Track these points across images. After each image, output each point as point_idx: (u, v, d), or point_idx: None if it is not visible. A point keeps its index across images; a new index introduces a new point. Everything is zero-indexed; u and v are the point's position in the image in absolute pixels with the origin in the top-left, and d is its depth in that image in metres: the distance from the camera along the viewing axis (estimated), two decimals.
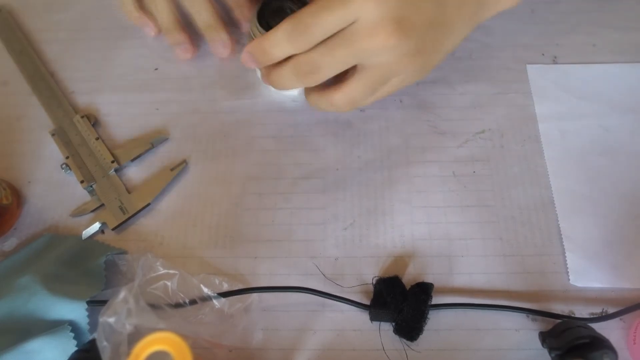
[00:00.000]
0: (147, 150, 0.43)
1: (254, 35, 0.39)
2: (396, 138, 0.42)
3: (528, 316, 0.35)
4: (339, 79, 0.37)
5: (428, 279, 0.37)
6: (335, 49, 0.33)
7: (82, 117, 0.44)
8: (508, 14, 0.39)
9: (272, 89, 0.41)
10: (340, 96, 0.36)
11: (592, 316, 0.35)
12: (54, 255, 0.37)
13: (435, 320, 0.35)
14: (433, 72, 0.39)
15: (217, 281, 0.37)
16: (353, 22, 0.32)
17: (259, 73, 0.43)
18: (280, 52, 0.35)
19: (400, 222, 0.39)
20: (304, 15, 0.33)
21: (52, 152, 0.43)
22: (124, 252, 0.39)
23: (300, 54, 0.35)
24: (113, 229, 0.40)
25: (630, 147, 0.41)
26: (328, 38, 0.33)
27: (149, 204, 0.40)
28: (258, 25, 0.38)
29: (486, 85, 0.44)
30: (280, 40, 0.34)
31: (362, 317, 0.36)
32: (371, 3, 0.31)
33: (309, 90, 0.39)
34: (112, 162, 0.42)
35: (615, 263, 0.37)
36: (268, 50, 0.35)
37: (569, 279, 0.36)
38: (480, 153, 0.41)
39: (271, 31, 0.35)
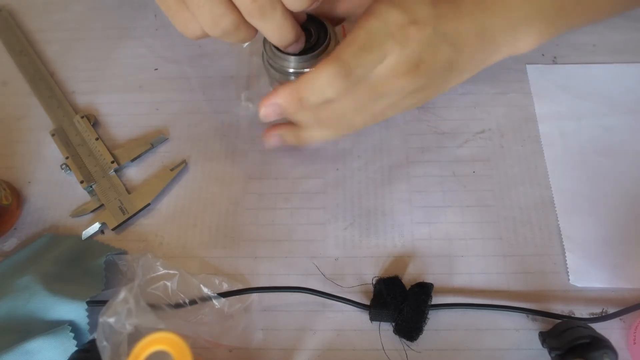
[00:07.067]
0: (146, 151, 0.43)
1: (271, 62, 0.35)
2: (396, 138, 0.42)
3: (528, 316, 0.35)
4: None
5: (428, 279, 0.36)
6: (358, 92, 0.31)
7: (82, 117, 0.44)
8: None
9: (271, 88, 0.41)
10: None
11: (592, 316, 0.35)
12: (54, 255, 0.37)
13: (435, 320, 0.35)
14: None
15: (217, 281, 0.37)
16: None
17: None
18: (320, 99, 0.30)
19: (400, 222, 0.39)
20: (345, 56, 0.29)
21: (52, 152, 0.43)
22: (123, 253, 0.39)
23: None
24: (113, 229, 0.40)
25: (630, 147, 0.41)
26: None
27: (148, 204, 0.40)
28: (274, 49, 0.34)
29: (486, 85, 0.44)
30: (324, 86, 0.29)
31: (362, 317, 0.36)
32: (397, 45, 0.30)
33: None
34: (112, 162, 0.42)
35: (615, 263, 0.36)
36: (306, 98, 0.30)
37: (569, 279, 0.36)
38: (480, 153, 0.41)
39: (311, 76, 0.29)
